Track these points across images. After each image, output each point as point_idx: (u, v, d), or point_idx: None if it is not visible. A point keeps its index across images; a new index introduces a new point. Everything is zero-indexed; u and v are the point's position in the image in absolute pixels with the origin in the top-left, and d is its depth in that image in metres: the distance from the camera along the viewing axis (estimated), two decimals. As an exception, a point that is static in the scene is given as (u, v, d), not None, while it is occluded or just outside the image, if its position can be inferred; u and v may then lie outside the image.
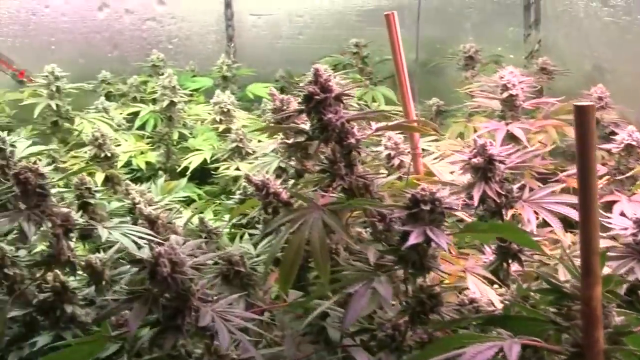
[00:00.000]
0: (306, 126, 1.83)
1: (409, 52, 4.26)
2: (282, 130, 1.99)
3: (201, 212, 2.45)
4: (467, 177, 1.93)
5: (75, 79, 3.76)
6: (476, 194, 1.85)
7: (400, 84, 2.20)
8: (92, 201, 2.29)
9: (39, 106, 3.45)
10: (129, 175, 3.12)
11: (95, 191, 2.33)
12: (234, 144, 3.19)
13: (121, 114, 3.82)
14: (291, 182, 2.15)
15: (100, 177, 2.84)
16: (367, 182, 1.80)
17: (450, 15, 4.08)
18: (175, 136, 3.66)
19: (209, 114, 3.65)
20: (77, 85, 3.65)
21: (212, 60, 4.81)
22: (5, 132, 2.32)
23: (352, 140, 1.73)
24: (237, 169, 3.06)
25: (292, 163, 2.18)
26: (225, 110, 3.36)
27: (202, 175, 3.48)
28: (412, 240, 1.33)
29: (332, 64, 4.15)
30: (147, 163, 3.51)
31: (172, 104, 3.56)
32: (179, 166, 3.64)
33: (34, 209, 1.70)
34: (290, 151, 2.11)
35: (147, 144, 3.86)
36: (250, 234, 2.25)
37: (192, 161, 3.27)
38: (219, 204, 3.39)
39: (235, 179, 3.16)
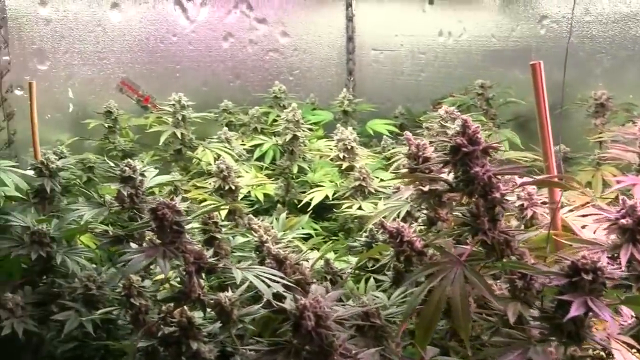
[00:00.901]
0: (446, 175, 1.76)
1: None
2: (425, 179, 1.92)
3: (326, 252, 2.40)
4: (612, 237, 1.82)
5: (198, 107, 3.81)
6: (623, 257, 1.74)
7: (543, 138, 2.10)
8: (218, 236, 2.27)
9: (165, 134, 3.50)
10: (249, 208, 3.11)
11: (222, 226, 2.32)
12: (357, 183, 3.14)
13: (243, 144, 3.84)
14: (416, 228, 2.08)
15: (225, 210, 2.84)
16: (508, 238, 1.72)
17: (580, 59, 3.93)
18: (295, 170, 3.64)
19: (330, 149, 3.63)
20: (202, 115, 3.69)
21: (332, 93, 4.83)
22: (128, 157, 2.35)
23: (497, 195, 1.65)
24: (360, 208, 3.01)
25: (424, 210, 2.11)
26: (349, 147, 3.32)
27: (320, 210, 3.45)
28: (574, 312, 1.25)
29: (455, 104, 4.08)
30: (266, 195, 3.51)
31: (295, 137, 3.54)
32: (298, 200, 3.62)
33: (169, 245, 1.68)
34: (424, 198, 2.05)
35: (266, 175, 3.87)
36: (376, 279, 2.18)
37: (314, 197, 3.24)
38: (337, 241, 3.35)
39: (355, 217, 3.12)
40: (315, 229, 3.36)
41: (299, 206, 3.44)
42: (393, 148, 4.01)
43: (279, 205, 3.60)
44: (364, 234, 2.47)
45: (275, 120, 4.18)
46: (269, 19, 4.90)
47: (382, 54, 5.01)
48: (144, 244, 1.87)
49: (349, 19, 5.13)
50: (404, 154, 2.15)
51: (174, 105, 3.56)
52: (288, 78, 4.96)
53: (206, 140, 3.77)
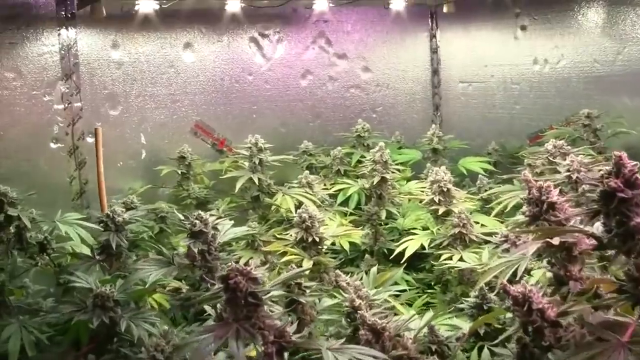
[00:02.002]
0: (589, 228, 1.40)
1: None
2: (561, 233, 1.56)
3: (429, 320, 2.04)
4: None
5: (276, 149, 3.52)
6: None
7: None
8: (302, 299, 1.95)
9: (241, 180, 3.21)
10: (334, 260, 2.78)
11: (306, 287, 2.00)
12: (457, 230, 2.79)
13: (325, 188, 3.53)
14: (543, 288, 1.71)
15: (307, 264, 2.51)
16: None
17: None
18: (384, 215, 3.31)
19: (422, 191, 3.28)
20: (280, 157, 3.40)
21: (417, 131, 4.51)
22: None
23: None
24: (461, 259, 2.65)
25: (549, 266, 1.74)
26: (445, 189, 2.96)
27: (412, 260, 3.08)
28: None
29: (558, 138, 3.68)
30: (352, 244, 3.17)
31: (384, 180, 3.21)
32: (387, 249, 3.28)
33: (243, 321, 1.37)
34: (550, 252, 1.68)
35: (350, 221, 3.55)
36: (492, 352, 1.82)
37: (408, 246, 2.89)
38: (432, 294, 3.00)
39: (454, 268, 2.75)
40: (407, 281, 3.02)
41: (390, 257, 3.10)
42: (490, 188, 3.64)
43: (366, 256, 3.26)
44: (473, 294, 2.11)
45: (359, 162, 3.86)
46: (349, 54, 4.61)
47: (471, 86, 4.65)
48: (216, 315, 1.55)
49: (434, 50, 4.81)
50: (523, 198, 1.79)
51: (250, 148, 3.28)
52: (371, 115, 4.65)
53: (286, 185, 3.47)
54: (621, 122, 3.60)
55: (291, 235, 2.62)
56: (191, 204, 3.78)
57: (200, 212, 2.18)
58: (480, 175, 3.75)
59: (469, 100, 4.67)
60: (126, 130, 4.09)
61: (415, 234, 3.01)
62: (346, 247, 3.08)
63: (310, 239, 2.59)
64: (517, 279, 1.76)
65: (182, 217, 2.26)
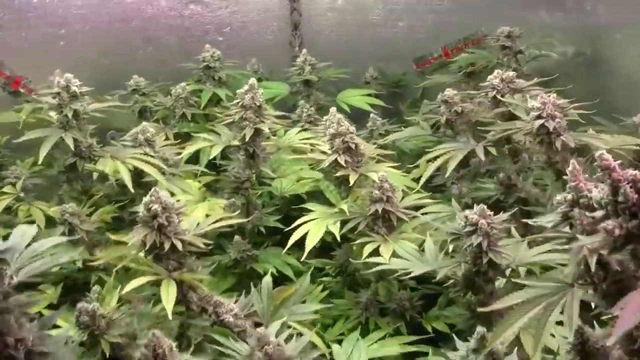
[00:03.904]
0: None
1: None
2: None
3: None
4: None
5: (95, 90, 2.45)
6: None
7: None
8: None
9: (47, 143, 2.13)
10: (206, 276, 1.81)
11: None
12: (378, 206, 1.89)
13: (171, 144, 2.51)
14: None
15: (168, 289, 1.54)
16: None
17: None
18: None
19: (310, 145, 2.36)
20: (104, 106, 2.32)
21: (274, 56, 3.56)
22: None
23: None
24: (394, 254, 1.77)
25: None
26: (353, 146, 2.04)
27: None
28: None
29: (471, 63, 2.85)
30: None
31: (258, 132, 2.24)
32: (263, 227, 2.35)
33: None
34: None
35: (205, 185, 2.59)
36: None
37: (310, 233, 1.95)
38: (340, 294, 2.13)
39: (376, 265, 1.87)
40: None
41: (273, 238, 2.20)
42: (387, 132, 2.79)
43: (236, 237, 2.31)
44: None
45: (217, 102, 2.89)
46: (186, -43, 3.54)
47: (340, -1, 3.72)
48: None
49: (290, -48, 3.81)
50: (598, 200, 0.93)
51: (59, 93, 2.19)
52: (217, 39, 3.61)
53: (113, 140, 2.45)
54: (551, 42, 2.82)
55: (133, 238, 1.62)
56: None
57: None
58: (372, 114, 2.87)
59: (339, 16, 3.72)
60: None
61: (310, 210, 2.08)
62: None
63: (167, 245, 1.61)
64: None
65: None
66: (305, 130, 2.53)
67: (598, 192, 0.96)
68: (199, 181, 2.61)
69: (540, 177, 2.10)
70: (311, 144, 2.36)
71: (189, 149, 2.27)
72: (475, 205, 1.94)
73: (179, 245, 1.62)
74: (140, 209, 1.66)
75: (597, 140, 1.74)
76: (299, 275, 2.27)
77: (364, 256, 1.80)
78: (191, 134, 2.81)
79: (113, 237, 1.84)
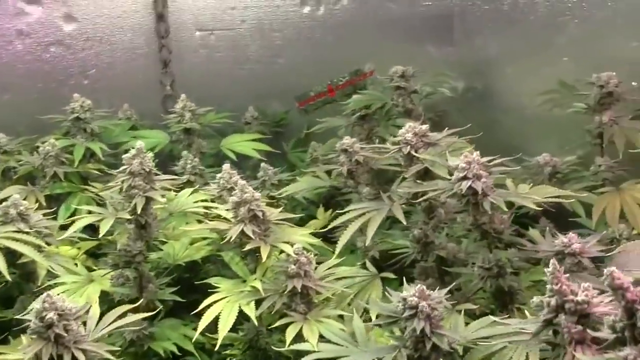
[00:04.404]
0: None
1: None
2: None
3: None
4: None
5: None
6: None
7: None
8: None
9: None
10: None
11: None
12: (296, 282, 1.72)
13: (45, 212, 2.23)
14: None
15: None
16: None
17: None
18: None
19: (205, 208, 2.16)
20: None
21: (144, 98, 3.33)
22: None
23: None
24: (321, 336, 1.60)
25: None
26: (259, 213, 1.86)
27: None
28: None
29: (366, 106, 2.73)
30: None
31: (149, 201, 2.02)
32: (159, 300, 2.13)
33: None
34: None
35: (86, 253, 2.35)
36: None
37: (223, 317, 1.74)
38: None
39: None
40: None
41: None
42: (280, 181, 2.63)
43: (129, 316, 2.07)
44: None
45: (90, 156, 2.64)
46: (43, -3, 3.25)
47: (213, 34, 3.50)
48: None
49: (155, -12, 3.57)
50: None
51: None
52: (82, 82, 3.33)
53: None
54: (445, 79, 2.74)
55: (26, 354, 1.37)
56: None
57: None
58: (262, 164, 2.69)
59: (212, 53, 3.51)
60: None
61: (215, 287, 1.87)
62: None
63: (67, 358, 1.37)
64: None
65: None
66: (196, 191, 2.31)
67: (612, 316, 0.83)
68: (79, 248, 2.37)
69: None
70: (206, 207, 2.16)
71: (77, 225, 2.00)
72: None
73: (82, 358, 1.39)
74: (31, 318, 1.42)
75: (525, 199, 1.64)
76: (200, 349, 2.09)
77: (287, 342, 1.62)
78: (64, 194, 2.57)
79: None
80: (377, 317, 1.57)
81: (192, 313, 1.86)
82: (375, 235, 2.16)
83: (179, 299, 2.11)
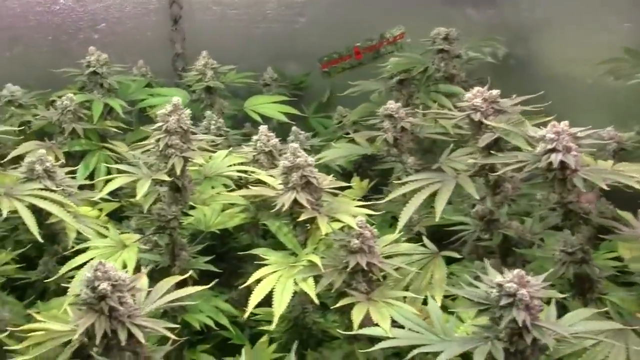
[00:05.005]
0: None
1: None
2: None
3: None
4: None
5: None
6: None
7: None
8: None
9: None
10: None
11: None
12: (359, 259, 1.57)
13: (69, 170, 2.05)
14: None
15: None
16: None
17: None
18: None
19: (241, 172, 2.01)
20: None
21: (155, 55, 3.16)
22: None
23: None
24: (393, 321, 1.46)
25: None
26: (313, 179, 1.71)
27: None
28: None
29: (404, 69, 2.55)
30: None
31: (185, 163, 1.85)
32: (198, 270, 1.97)
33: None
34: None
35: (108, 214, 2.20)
36: None
37: (277, 295, 1.59)
38: None
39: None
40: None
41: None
42: (312, 147, 2.48)
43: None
44: None
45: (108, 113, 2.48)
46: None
47: (229, -9, 3.32)
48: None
49: None
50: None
51: None
52: (91, 37, 3.14)
53: None
54: (492, 44, 2.58)
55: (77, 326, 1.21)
56: None
57: None
58: (293, 128, 2.53)
59: (226, 10, 3.32)
60: None
61: (264, 259, 1.72)
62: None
63: (123, 335, 1.22)
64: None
65: None
66: (230, 153, 2.15)
67: None
68: (100, 209, 2.21)
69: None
70: (242, 171, 2.01)
71: (110, 187, 1.83)
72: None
73: (140, 336, 1.24)
74: (81, 287, 1.26)
75: (627, 178, 1.49)
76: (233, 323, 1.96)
77: (355, 325, 1.47)
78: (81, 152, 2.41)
79: (38, 317, 1.40)
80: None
81: (241, 287, 1.71)
82: (420, 210, 2.03)
83: (214, 268, 1.96)
